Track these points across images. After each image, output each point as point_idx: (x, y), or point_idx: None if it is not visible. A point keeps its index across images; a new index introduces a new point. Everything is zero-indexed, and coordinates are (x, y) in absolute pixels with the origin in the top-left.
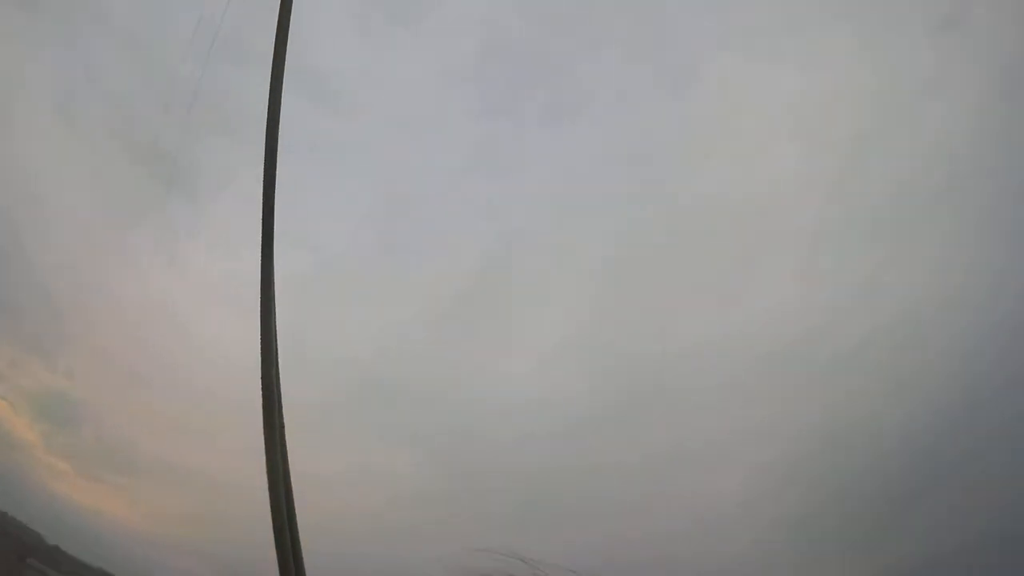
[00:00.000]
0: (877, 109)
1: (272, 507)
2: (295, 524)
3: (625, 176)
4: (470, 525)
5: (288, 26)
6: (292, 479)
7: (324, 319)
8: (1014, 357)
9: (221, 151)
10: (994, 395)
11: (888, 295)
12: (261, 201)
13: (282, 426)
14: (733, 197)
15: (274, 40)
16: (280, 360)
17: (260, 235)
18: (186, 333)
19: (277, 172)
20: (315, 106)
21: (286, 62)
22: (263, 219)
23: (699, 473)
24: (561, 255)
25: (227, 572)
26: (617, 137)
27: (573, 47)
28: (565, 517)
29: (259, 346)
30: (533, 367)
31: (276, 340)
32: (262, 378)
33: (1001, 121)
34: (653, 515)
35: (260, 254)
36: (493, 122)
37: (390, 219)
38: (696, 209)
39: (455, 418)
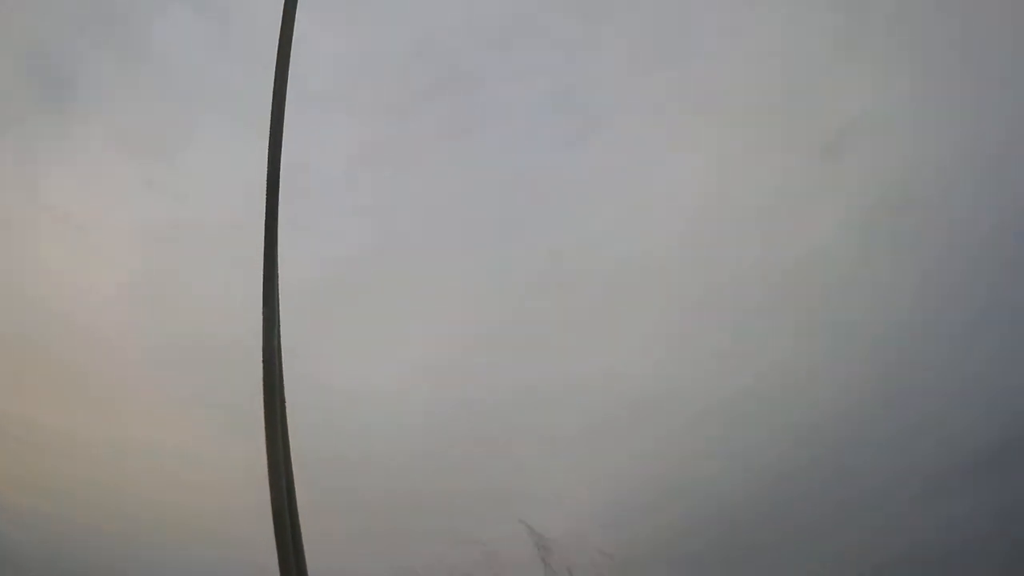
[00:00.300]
0: (754, 206)
1: (271, 487)
2: (294, 505)
3: (512, 205)
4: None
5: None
6: (99, 443)
7: (182, 278)
8: (841, 443)
9: (106, 70)
10: (831, 472)
11: (739, 369)
12: (265, 187)
13: (283, 402)
14: (611, 249)
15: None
16: (126, 309)
17: (264, 217)
18: (35, 260)
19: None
20: (226, 53)
21: None
22: (267, 200)
23: (526, 509)
24: (435, 270)
25: (46, 541)
26: (513, 165)
27: (496, 68)
28: (386, 530)
29: (129, 288)
30: (383, 375)
31: (278, 317)
32: (263, 352)
33: (858, 246)
34: (471, 544)
35: (264, 231)
36: (398, 119)
37: (255, 184)
38: (574, 252)
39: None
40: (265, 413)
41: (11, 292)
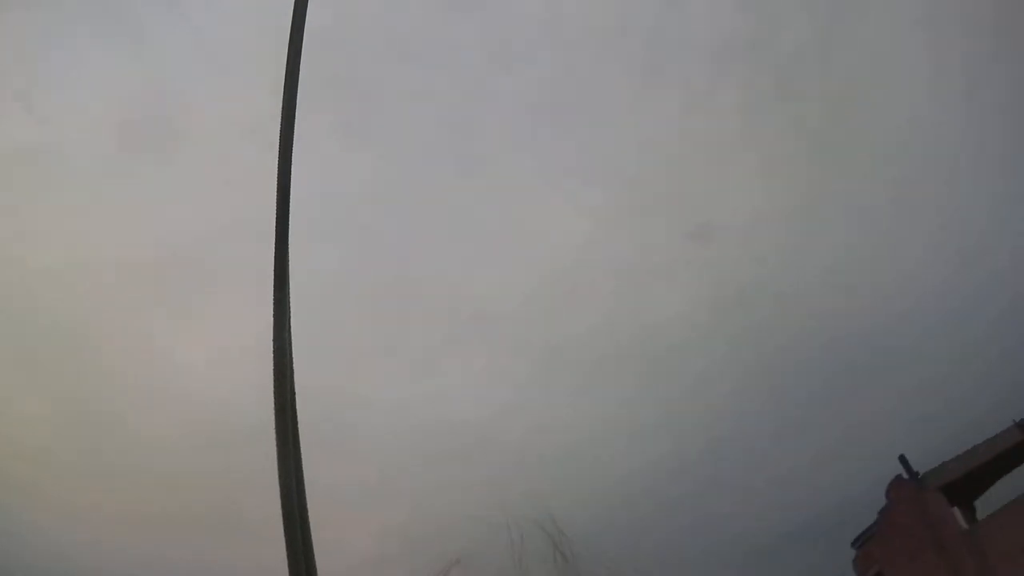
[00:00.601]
0: (616, 271)
1: (281, 484)
2: (304, 501)
3: (381, 219)
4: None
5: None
6: None
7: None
8: (660, 504)
9: None
10: (646, 530)
11: (569, 419)
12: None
13: (292, 393)
14: (469, 283)
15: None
16: None
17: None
18: None
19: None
20: None
21: None
22: (279, 183)
23: (335, 527)
24: (266, 266)
25: None
26: (392, 180)
27: (395, 82)
28: (168, 512)
29: None
30: (208, 354)
31: (289, 309)
32: (274, 340)
33: (704, 325)
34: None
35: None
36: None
37: (129, 126)
38: (432, 279)
39: (106, 395)
40: (276, 408)
41: None
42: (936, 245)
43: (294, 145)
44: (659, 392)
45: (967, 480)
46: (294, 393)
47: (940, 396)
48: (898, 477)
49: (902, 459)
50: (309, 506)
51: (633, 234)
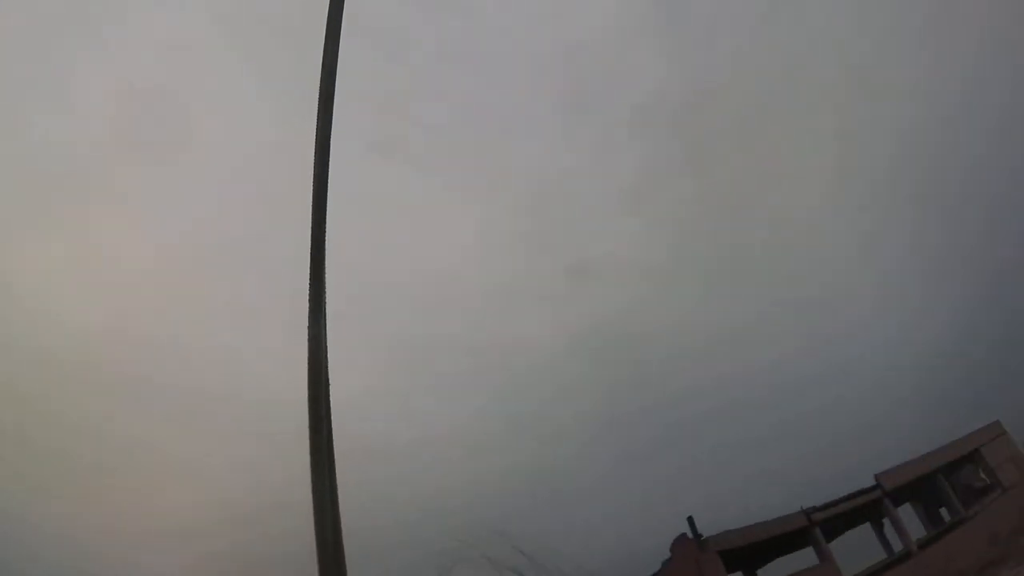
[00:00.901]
0: (493, 285)
1: (312, 469)
2: (335, 491)
3: (264, 188)
4: None
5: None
6: None
7: None
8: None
9: None
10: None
11: (429, 420)
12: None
13: (327, 383)
14: (364, 273)
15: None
16: None
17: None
18: None
19: None
20: None
21: None
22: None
23: (152, 491)
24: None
25: None
26: (282, 148)
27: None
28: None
29: None
30: (70, 287)
31: (324, 302)
32: (309, 330)
33: (568, 354)
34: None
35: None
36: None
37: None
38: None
39: None
40: (309, 398)
41: None
42: (783, 332)
43: (210, 86)
44: (508, 408)
45: (751, 550)
46: (328, 385)
47: (779, 451)
48: (683, 535)
49: (689, 520)
50: (130, 468)
51: (515, 256)
